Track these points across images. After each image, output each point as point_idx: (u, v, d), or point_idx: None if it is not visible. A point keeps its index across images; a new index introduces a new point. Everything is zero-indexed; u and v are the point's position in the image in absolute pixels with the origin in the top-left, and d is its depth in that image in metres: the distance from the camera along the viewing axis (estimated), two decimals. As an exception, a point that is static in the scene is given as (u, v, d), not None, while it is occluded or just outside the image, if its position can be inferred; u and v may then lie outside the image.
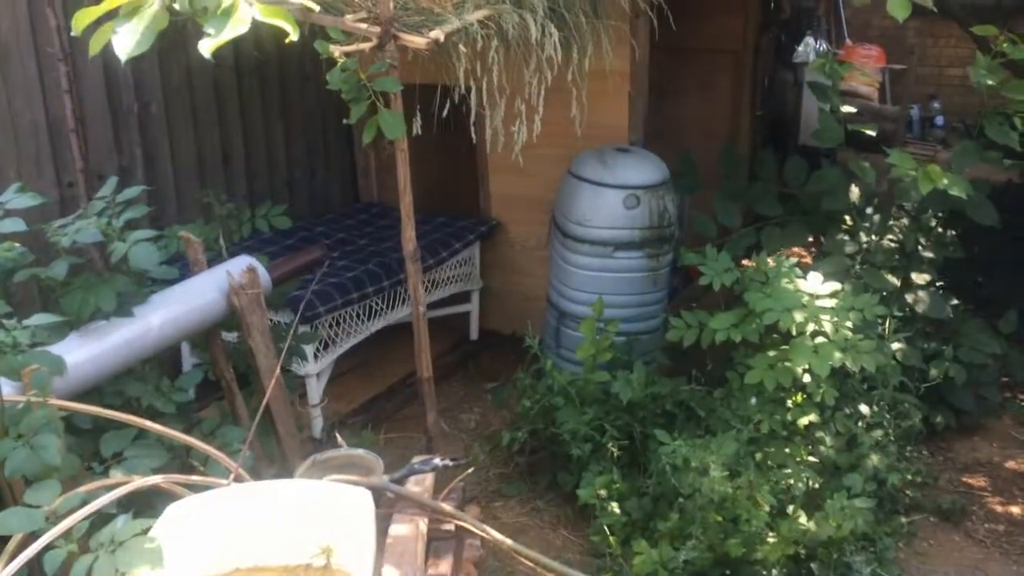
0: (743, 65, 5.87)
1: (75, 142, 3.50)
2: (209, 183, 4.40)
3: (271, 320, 3.81)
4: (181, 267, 2.90)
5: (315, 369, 3.93)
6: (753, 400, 3.28)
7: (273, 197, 4.80)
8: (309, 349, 3.86)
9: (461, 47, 2.97)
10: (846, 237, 4.23)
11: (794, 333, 3.27)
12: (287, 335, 3.28)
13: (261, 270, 2.79)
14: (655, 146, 4.73)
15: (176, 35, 4.08)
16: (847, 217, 4.30)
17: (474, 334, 5.06)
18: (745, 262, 3.93)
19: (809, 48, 7.05)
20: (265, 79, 4.57)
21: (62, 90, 3.45)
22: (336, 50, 2.54)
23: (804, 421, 3.21)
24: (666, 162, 4.29)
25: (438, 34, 2.88)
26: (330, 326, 3.99)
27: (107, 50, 3.50)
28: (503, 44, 3.16)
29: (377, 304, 4.23)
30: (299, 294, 3.80)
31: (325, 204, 5.15)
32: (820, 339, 3.26)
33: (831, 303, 3.36)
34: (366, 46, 2.66)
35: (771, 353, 3.31)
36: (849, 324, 3.30)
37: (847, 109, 4.19)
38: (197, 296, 2.67)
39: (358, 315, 4.14)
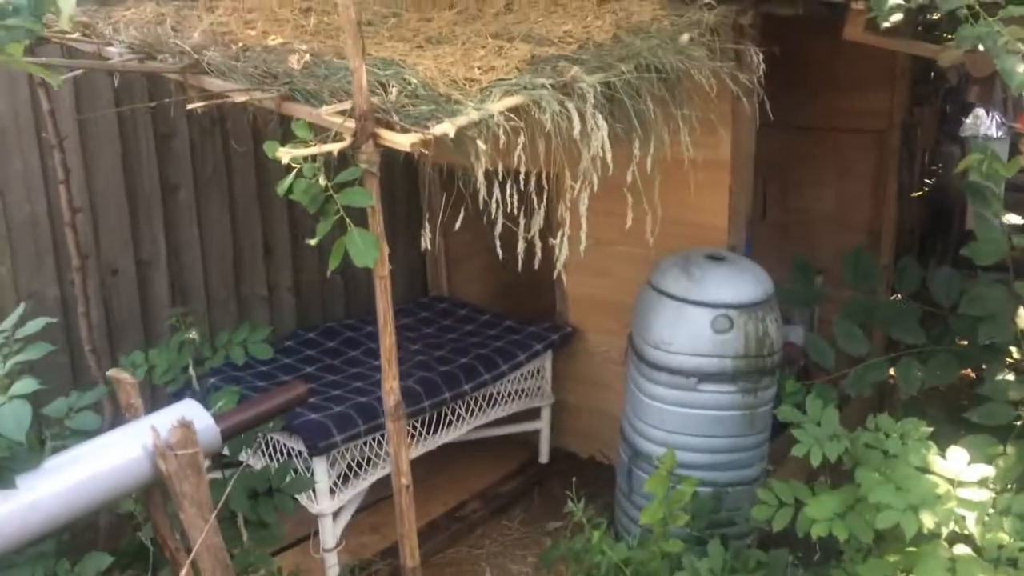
0: (888, 147, 4.93)
1: (71, 237, 3.09)
2: (246, 276, 3.94)
3: (272, 446, 3.27)
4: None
5: (330, 507, 3.33)
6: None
7: (323, 290, 4.30)
8: (322, 483, 3.26)
9: (479, 143, 2.32)
10: (1010, 377, 3.26)
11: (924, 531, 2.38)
12: (292, 465, 2.71)
13: (203, 422, 2.20)
14: (777, 245, 3.92)
15: (211, 122, 3.71)
16: (1013, 350, 3.32)
17: (544, 456, 4.33)
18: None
19: (979, 120, 6.06)
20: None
21: (57, 180, 3.05)
22: (284, 155, 1.95)
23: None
24: (786, 267, 3.48)
25: (446, 129, 2.25)
26: (352, 456, 3.38)
27: (124, 130, 3.04)
28: (542, 137, 2.49)
29: (416, 427, 3.60)
30: (314, 418, 3.24)
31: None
32: (960, 548, 2.36)
33: (980, 494, 2.44)
34: (335, 147, 2.05)
35: (889, 558, 2.43)
36: (1007, 525, 2.38)
37: (1014, 219, 3.25)
38: (111, 457, 2.11)
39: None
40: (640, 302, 3.49)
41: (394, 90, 2.36)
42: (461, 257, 4.80)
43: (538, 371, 4.16)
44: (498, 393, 3.95)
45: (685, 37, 2.94)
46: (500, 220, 2.48)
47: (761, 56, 3.07)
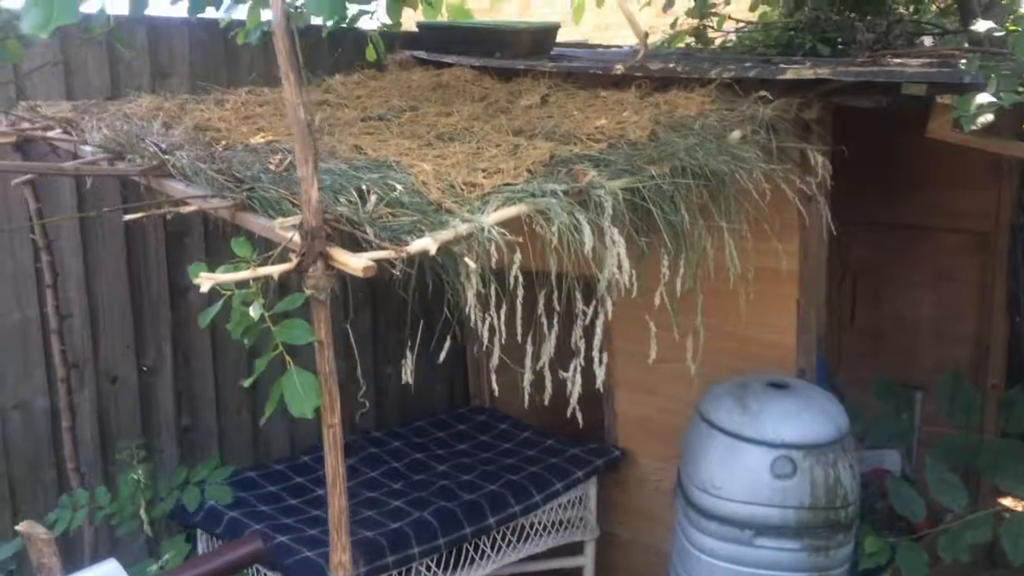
0: (995, 251, 4.33)
1: (57, 345, 2.85)
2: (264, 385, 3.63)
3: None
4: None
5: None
6: None
7: (353, 397, 3.95)
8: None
9: (468, 260, 1.94)
10: None
11: None
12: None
13: (122, 590, 1.84)
14: (869, 353, 3.40)
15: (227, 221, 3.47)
16: None
17: (588, 598, 3.81)
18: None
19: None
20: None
21: (44, 284, 2.82)
22: (205, 282, 1.61)
23: None
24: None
25: (425, 245, 1.89)
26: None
27: (129, 232, 2.77)
28: (551, 252, 2.10)
29: (430, 567, 3.16)
30: (306, 557, 2.85)
31: (423, 406, 4.21)
32: None
33: None
34: (274, 270, 1.71)
35: None
36: None
37: None
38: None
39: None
40: (688, 434, 3.02)
41: (373, 198, 2.02)
42: (505, 362, 4.40)
43: (580, 500, 3.68)
44: (531, 526, 3.48)
45: (736, 135, 2.53)
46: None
47: (825, 157, 2.62)
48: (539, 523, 3.52)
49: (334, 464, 1.77)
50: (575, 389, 2.28)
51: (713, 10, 4.42)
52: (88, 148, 2.37)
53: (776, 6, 4.52)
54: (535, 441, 3.84)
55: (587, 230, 2.04)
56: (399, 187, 2.06)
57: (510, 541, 3.42)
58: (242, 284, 1.67)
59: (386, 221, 1.98)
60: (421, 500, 3.32)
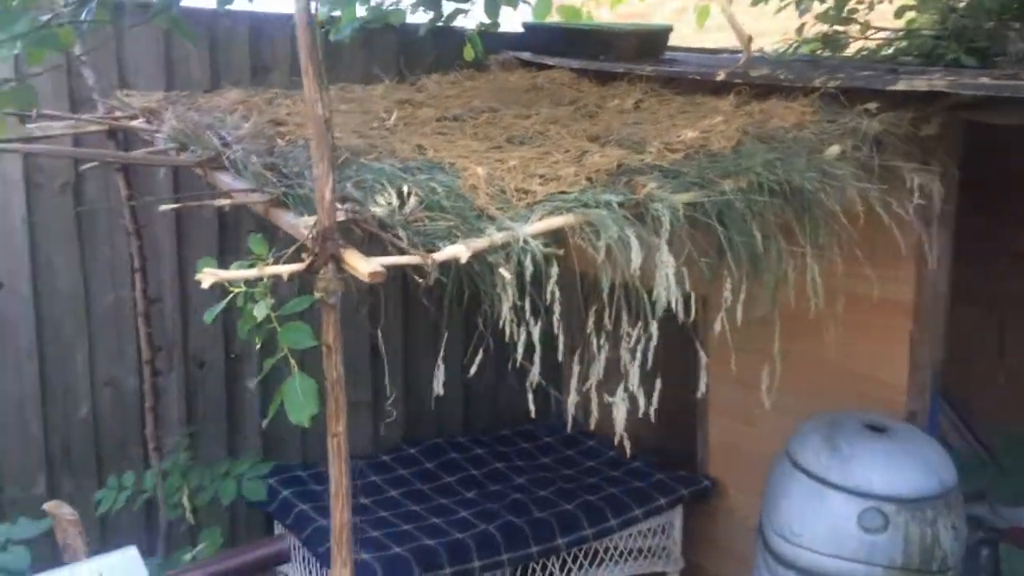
0: None
1: (143, 328, 2.93)
2: (350, 378, 3.61)
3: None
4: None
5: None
6: None
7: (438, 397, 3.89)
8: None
9: (503, 271, 1.82)
10: None
11: None
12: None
13: (136, 579, 1.84)
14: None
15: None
16: None
17: (668, 635, 3.60)
18: None
19: None
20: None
21: (132, 269, 2.91)
22: (206, 278, 1.56)
23: None
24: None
25: (456, 252, 1.79)
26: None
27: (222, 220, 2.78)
28: (601, 267, 1.95)
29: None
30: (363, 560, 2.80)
31: (512, 418, 4.10)
32: None
33: None
34: (284, 270, 1.65)
35: None
36: None
37: None
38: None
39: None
40: (772, 472, 2.77)
41: (412, 200, 1.93)
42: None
43: (663, 528, 3.48)
44: (605, 551, 3.32)
45: (834, 149, 2.28)
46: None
47: (940, 178, 2.33)
48: (615, 549, 3.34)
49: (337, 476, 1.69)
50: (621, 413, 2.10)
51: (854, 16, 4.09)
52: (160, 137, 2.41)
53: (926, 12, 4.12)
54: (621, 461, 3.66)
55: (635, 246, 1.88)
56: (440, 190, 1.96)
57: (582, 564, 3.27)
58: (252, 282, 1.62)
59: (421, 225, 1.89)
60: (490, 512, 3.22)
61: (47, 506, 1.92)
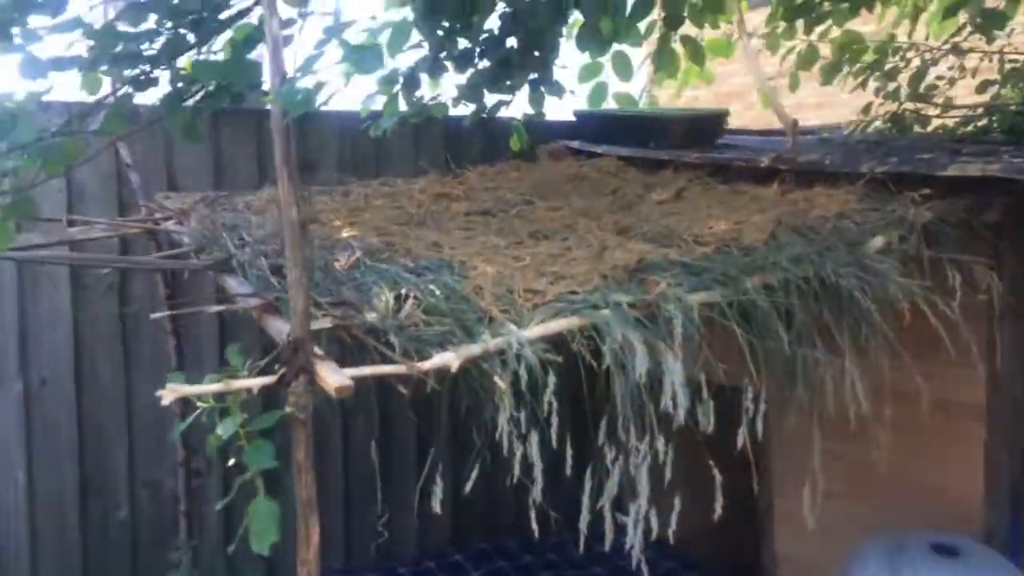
0: None
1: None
2: (394, 479, 3.51)
3: None
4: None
5: None
6: None
7: (487, 499, 3.73)
8: None
9: (498, 380, 1.70)
10: None
11: None
12: None
13: None
14: None
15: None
16: None
17: None
18: None
19: None
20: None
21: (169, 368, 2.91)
22: (168, 395, 1.49)
23: None
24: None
25: (447, 361, 1.68)
26: None
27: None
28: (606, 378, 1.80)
29: None
30: None
31: (568, 520, 3.87)
32: None
33: None
34: (252, 384, 1.56)
35: None
36: None
37: None
38: None
39: None
40: (833, 597, 2.49)
41: (409, 303, 1.84)
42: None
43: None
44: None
45: (878, 242, 2.09)
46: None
47: (1000, 271, 2.10)
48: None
49: (307, 606, 1.56)
50: (638, 533, 1.91)
51: (934, 92, 3.87)
52: (186, 240, 2.42)
53: (1010, 86, 3.86)
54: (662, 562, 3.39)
55: (640, 352, 1.72)
56: (438, 292, 1.87)
57: None
58: (220, 396, 1.54)
59: (415, 330, 1.79)
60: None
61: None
